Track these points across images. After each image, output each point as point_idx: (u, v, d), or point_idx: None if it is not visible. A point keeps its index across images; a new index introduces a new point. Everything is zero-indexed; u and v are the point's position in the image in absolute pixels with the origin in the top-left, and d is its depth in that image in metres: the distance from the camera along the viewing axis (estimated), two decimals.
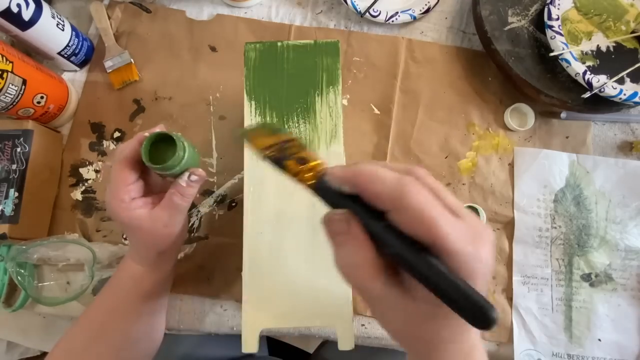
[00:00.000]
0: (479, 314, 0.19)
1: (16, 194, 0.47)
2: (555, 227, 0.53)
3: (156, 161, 0.34)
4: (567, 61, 0.50)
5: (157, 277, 0.40)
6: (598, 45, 0.54)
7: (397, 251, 0.21)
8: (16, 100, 0.47)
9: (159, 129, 0.36)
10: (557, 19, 0.52)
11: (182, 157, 0.35)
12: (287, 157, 0.25)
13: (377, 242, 0.22)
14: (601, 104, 0.52)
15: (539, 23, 0.55)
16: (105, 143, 0.55)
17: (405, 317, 0.23)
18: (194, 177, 0.35)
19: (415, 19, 0.58)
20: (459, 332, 0.23)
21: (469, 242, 0.20)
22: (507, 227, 0.53)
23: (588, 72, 0.50)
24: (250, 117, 0.41)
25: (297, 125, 0.40)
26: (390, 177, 0.21)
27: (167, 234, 0.37)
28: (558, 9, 0.53)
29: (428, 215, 0.19)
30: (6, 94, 0.45)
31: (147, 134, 0.35)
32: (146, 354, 0.44)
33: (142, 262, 0.39)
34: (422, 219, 0.19)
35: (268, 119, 0.40)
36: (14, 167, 0.48)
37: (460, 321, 0.19)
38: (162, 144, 0.35)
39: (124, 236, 0.52)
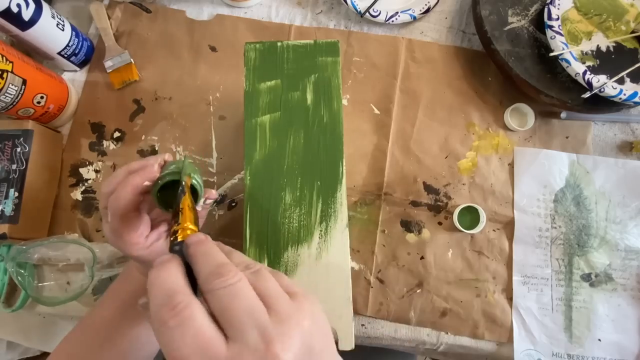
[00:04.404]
0: None
1: (16, 194, 0.47)
2: (555, 227, 0.53)
3: (165, 198, 0.31)
4: (567, 61, 0.50)
5: None
6: (598, 45, 0.54)
7: None
8: (16, 100, 0.47)
9: (167, 157, 0.33)
10: (557, 19, 0.52)
11: (199, 196, 0.32)
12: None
13: None
14: (601, 104, 0.52)
15: (539, 23, 0.55)
16: (105, 143, 0.55)
17: None
18: (208, 201, 0.36)
19: (415, 19, 0.58)
20: None
21: None
22: (507, 227, 0.53)
23: (588, 72, 0.50)
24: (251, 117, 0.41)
25: None
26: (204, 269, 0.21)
27: None
28: (558, 9, 0.53)
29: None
30: (6, 94, 0.45)
31: (138, 179, 0.31)
32: (150, 356, 0.44)
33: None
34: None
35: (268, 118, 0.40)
36: (14, 167, 0.48)
37: None
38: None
39: None
